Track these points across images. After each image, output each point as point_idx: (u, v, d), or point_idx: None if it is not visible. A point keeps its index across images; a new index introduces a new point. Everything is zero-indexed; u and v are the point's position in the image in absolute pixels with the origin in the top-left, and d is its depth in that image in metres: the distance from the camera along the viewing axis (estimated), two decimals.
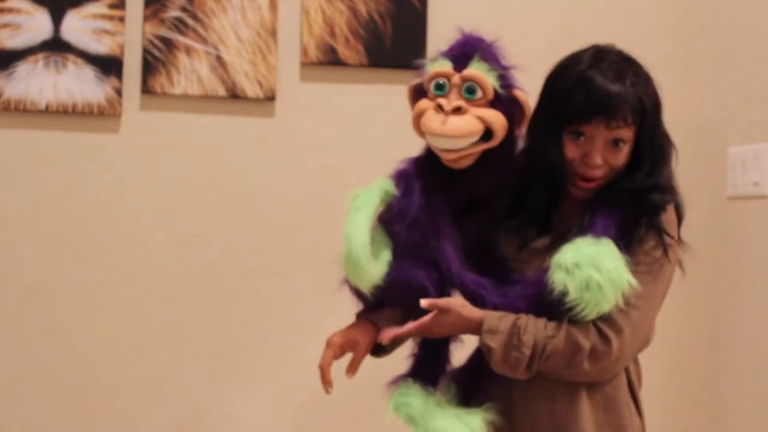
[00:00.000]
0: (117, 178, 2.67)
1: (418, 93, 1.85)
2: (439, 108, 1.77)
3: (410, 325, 1.79)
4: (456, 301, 1.79)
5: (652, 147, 1.83)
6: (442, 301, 1.78)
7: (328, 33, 2.72)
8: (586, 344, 1.74)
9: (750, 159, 2.69)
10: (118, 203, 2.67)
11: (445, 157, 1.80)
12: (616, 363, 1.79)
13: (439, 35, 2.76)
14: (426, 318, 1.78)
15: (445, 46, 1.87)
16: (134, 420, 2.65)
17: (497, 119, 1.79)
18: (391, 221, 1.84)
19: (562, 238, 1.83)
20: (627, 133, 1.80)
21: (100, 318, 2.65)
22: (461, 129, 1.76)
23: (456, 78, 1.79)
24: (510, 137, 1.84)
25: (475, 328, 1.78)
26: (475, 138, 1.78)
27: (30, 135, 2.63)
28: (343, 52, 2.72)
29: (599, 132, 1.79)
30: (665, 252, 1.81)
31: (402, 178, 1.85)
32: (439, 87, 1.79)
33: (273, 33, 2.70)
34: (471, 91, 1.78)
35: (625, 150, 1.81)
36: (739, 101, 2.77)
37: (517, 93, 1.82)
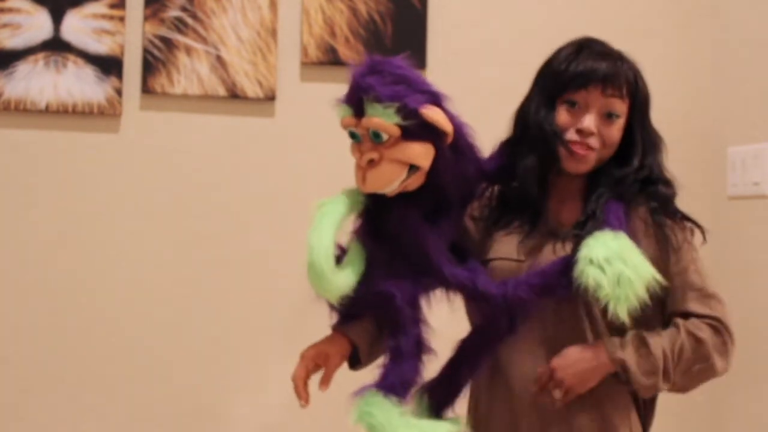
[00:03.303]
0: (117, 178, 2.67)
1: None
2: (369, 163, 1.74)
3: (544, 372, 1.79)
4: (565, 352, 1.79)
5: (644, 134, 1.85)
6: (546, 368, 1.78)
7: (328, 33, 2.72)
8: (704, 335, 1.77)
9: (750, 159, 2.69)
10: (118, 203, 2.67)
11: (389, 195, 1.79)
12: (732, 353, 1.83)
13: (439, 35, 2.78)
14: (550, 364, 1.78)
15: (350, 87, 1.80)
16: (134, 419, 2.65)
17: (413, 152, 1.73)
18: (363, 232, 1.81)
19: (563, 234, 1.84)
20: (621, 107, 1.82)
21: (100, 317, 2.65)
22: (380, 181, 1.74)
23: (360, 127, 1.74)
24: (451, 144, 1.78)
25: (602, 357, 1.78)
26: (401, 177, 1.74)
27: (30, 135, 2.63)
28: (343, 51, 2.72)
29: (595, 99, 1.81)
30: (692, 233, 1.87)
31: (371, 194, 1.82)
32: (353, 135, 1.77)
33: (273, 33, 2.70)
34: (377, 136, 1.72)
35: (618, 125, 1.83)
36: (739, 101, 2.77)
37: (424, 113, 1.72)
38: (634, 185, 1.84)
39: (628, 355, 1.76)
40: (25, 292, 2.62)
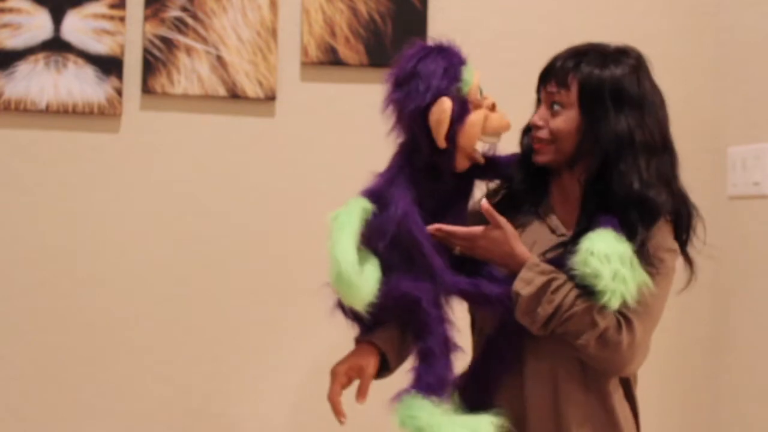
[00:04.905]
0: (117, 178, 2.67)
1: (461, 113, 1.84)
2: (492, 107, 1.88)
3: (459, 228, 1.82)
4: (511, 228, 1.83)
5: (603, 130, 1.83)
6: (501, 218, 1.82)
7: (329, 33, 2.72)
8: (601, 324, 1.76)
9: (750, 159, 2.69)
10: (118, 203, 2.66)
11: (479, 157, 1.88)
12: (623, 362, 1.80)
13: (439, 35, 2.76)
14: (477, 228, 1.82)
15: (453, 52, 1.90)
16: (134, 419, 2.65)
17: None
18: (371, 240, 1.83)
19: (556, 238, 1.87)
20: (561, 98, 1.86)
21: (100, 317, 2.65)
22: (504, 120, 1.90)
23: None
24: None
25: (512, 264, 1.81)
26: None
27: (30, 135, 2.63)
28: (344, 51, 2.72)
29: (544, 97, 1.90)
30: (673, 258, 1.87)
31: (375, 194, 1.85)
32: (480, 91, 1.88)
33: (273, 33, 2.70)
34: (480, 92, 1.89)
35: (564, 116, 1.86)
36: (739, 101, 2.77)
37: None
38: (624, 207, 1.81)
39: (525, 294, 1.77)
40: (25, 292, 2.62)
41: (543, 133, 1.88)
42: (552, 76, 1.88)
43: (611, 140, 1.82)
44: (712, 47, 2.88)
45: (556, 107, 1.87)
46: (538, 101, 1.93)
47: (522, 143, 1.95)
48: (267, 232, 2.71)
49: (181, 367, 2.67)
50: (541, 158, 1.89)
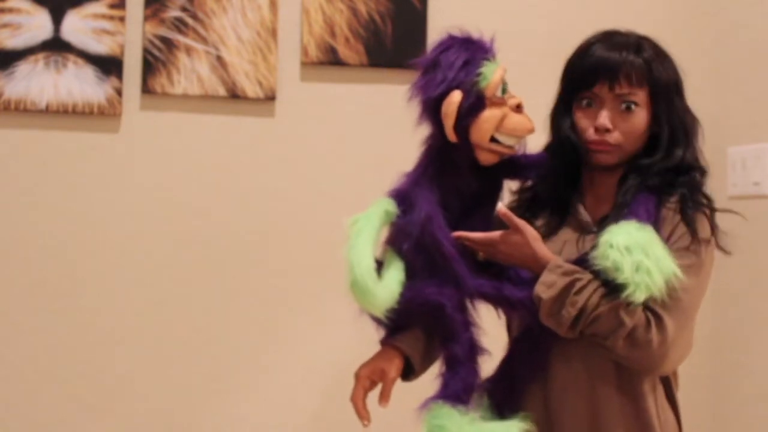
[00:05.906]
0: (117, 178, 2.67)
1: (474, 107, 1.81)
2: (517, 108, 1.82)
3: (479, 234, 1.79)
4: (531, 230, 1.79)
5: (672, 120, 1.83)
6: (519, 221, 1.78)
7: (329, 33, 2.72)
8: (628, 322, 1.71)
9: (750, 159, 2.69)
10: (118, 203, 2.67)
11: (509, 153, 1.84)
12: (655, 361, 1.76)
13: (439, 35, 2.77)
14: (496, 232, 1.78)
15: (473, 46, 1.86)
16: (134, 420, 2.65)
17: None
18: (397, 241, 1.82)
19: (589, 229, 1.84)
20: (638, 96, 1.82)
21: (101, 317, 2.65)
22: (527, 122, 1.84)
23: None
24: None
25: (535, 267, 1.77)
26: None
27: (30, 135, 2.63)
28: (343, 52, 2.72)
29: (605, 95, 1.82)
30: (706, 247, 1.82)
31: (400, 195, 1.83)
32: (504, 89, 1.83)
33: (273, 33, 2.70)
34: (504, 90, 1.83)
35: (638, 115, 1.82)
36: (739, 101, 2.77)
37: None
38: (666, 175, 1.81)
39: (547, 297, 1.73)
40: (25, 292, 2.62)
41: (614, 137, 1.82)
42: (620, 75, 1.81)
43: (677, 130, 1.84)
44: (712, 47, 2.88)
45: (633, 107, 1.81)
46: (586, 103, 1.85)
47: (571, 152, 1.86)
48: (267, 232, 2.71)
49: (180, 367, 2.67)
50: (610, 159, 1.83)
